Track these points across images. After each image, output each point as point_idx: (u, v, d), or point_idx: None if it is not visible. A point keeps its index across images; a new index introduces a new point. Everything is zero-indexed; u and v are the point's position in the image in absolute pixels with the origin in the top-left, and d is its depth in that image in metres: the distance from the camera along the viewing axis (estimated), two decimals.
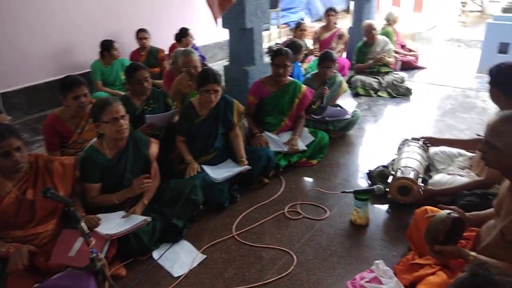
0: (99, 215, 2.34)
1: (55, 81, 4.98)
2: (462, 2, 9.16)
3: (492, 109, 4.32)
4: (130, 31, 5.38)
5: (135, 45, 5.38)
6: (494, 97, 2.41)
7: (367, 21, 5.30)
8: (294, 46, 4.40)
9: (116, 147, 2.45)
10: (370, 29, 5.17)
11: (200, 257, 2.41)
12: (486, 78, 2.47)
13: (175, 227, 2.52)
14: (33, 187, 2.18)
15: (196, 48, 5.78)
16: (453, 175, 2.62)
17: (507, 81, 2.33)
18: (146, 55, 5.33)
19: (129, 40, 5.51)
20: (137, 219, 2.35)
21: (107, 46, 4.70)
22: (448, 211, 1.82)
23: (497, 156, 1.63)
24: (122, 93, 4.53)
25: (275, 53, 3.45)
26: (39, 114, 4.98)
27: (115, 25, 5.62)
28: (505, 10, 5.83)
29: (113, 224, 2.33)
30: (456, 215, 1.77)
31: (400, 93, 5.05)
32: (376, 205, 2.84)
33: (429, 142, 3.04)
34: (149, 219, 2.37)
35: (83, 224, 1.87)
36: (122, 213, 2.44)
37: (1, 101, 4.36)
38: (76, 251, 2.08)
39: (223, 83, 3.65)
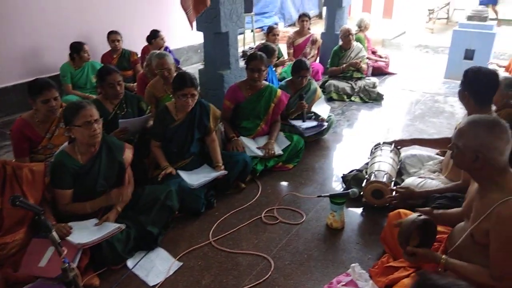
0: (70, 223, 2.27)
1: (23, 84, 4.78)
2: (429, 10, 9.49)
3: (460, 114, 4.51)
4: (102, 33, 5.25)
5: (106, 48, 5.25)
6: (463, 99, 2.49)
7: (346, 26, 5.40)
8: (266, 50, 4.42)
9: (88, 152, 2.37)
10: (348, 33, 5.27)
11: (176, 264, 2.37)
12: (454, 83, 2.57)
13: (150, 234, 2.47)
14: (1, 195, 2.10)
15: (170, 51, 5.72)
16: (424, 178, 2.70)
17: (479, 89, 2.42)
18: (118, 58, 5.22)
19: (100, 42, 5.38)
20: (111, 227, 2.29)
21: (77, 48, 4.56)
22: (417, 214, 1.88)
23: (459, 156, 1.71)
24: (93, 96, 4.42)
25: (250, 57, 3.46)
26: (7, 118, 4.77)
27: (86, 27, 5.47)
28: (470, 18, 6.07)
29: (85, 232, 2.26)
30: (425, 217, 1.83)
31: (372, 98, 5.17)
32: (351, 209, 2.89)
33: (400, 145, 3.12)
34: (123, 226, 2.31)
35: (54, 233, 1.81)
36: (94, 220, 2.37)
37: None
38: (47, 261, 2.01)
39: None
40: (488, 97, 2.43)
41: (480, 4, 8.36)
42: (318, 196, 2.82)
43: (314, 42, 5.97)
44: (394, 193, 2.64)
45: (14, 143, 2.75)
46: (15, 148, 2.76)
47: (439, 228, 2.03)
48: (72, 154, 2.35)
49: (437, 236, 1.95)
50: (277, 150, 3.43)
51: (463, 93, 2.46)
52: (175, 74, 3.55)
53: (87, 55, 4.61)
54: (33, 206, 1.85)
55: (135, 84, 4.91)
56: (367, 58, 5.75)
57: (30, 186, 2.20)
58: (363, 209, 2.89)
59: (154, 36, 5.30)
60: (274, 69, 5.26)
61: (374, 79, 5.41)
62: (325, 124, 3.89)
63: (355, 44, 5.40)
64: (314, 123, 3.85)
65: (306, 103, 3.82)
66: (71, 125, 2.27)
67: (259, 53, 3.50)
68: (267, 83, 3.62)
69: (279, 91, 3.57)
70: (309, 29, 6.03)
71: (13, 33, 4.75)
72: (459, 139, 1.70)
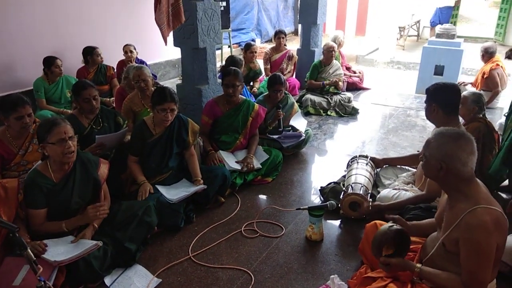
0: (46, 241, 2.21)
1: None
2: (400, 27, 9.86)
3: (431, 127, 4.66)
4: (77, 48, 5.19)
5: (79, 62, 5.19)
6: (432, 113, 2.61)
7: (329, 43, 5.53)
8: (233, 62, 4.48)
9: (62, 170, 2.32)
10: (330, 50, 5.41)
11: (155, 281, 2.34)
12: (424, 98, 2.68)
13: (127, 251, 2.42)
14: None
15: (147, 65, 5.71)
16: (399, 190, 2.79)
17: (445, 98, 2.55)
18: (95, 73, 5.16)
19: (75, 57, 5.31)
20: (87, 244, 2.24)
21: (48, 63, 4.50)
22: (390, 224, 1.93)
23: (426, 165, 1.80)
24: (69, 111, 4.35)
25: (224, 73, 3.50)
26: None
27: (61, 41, 5.40)
28: (439, 35, 6.36)
29: (61, 249, 2.20)
30: (398, 227, 1.89)
31: (348, 112, 5.30)
32: (329, 221, 2.93)
33: (374, 162, 3.22)
34: (100, 243, 2.26)
35: (29, 251, 1.76)
36: (71, 238, 2.31)
37: None
38: (22, 280, 1.95)
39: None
40: (454, 106, 2.57)
41: (432, 25, 8.75)
42: (297, 209, 2.85)
43: (290, 58, 6.10)
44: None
45: None
46: None
47: (414, 239, 2.10)
48: (45, 172, 2.29)
49: (411, 246, 2.01)
50: (256, 164, 3.46)
51: (430, 106, 2.58)
52: (153, 88, 3.57)
53: (58, 70, 4.54)
54: (7, 224, 1.79)
55: (112, 98, 4.87)
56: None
57: (3, 203, 2.14)
58: (341, 221, 2.94)
59: (123, 49, 5.36)
60: (251, 84, 5.35)
61: (349, 94, 5.55)
62: (303, 134, 3.95)
63: (334, 61, 5.55)
64: (292, 133, 3.90)
65: (283, 116, 3.88)
66: (45, 143, 2.22)
67: (234, 68, 3.54)
68: (244, 97, 3.66)
69: (256, 105, 3.62)
70: (285, 45, 6.16)
71: None
72: (426, 148, 1.80)
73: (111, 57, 5.59)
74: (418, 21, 10.87)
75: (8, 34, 4.82)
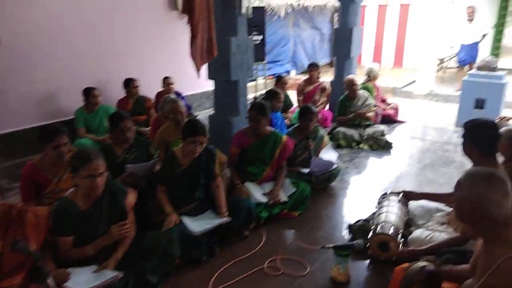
0: (69, 269, 2.25)
1: (38, 127, 4.95)
2: (439, 59, 9.65)
3: (470, 164, 4.43)
4: (117, 79, 5.47)
5: (121, 93, 5.44)
6: (468, 151, 2.49)
7: (348, 77, 5.52)
8: (271, 94, 4.51)
9: (90, 198, 2.39)
10: (351, 84, 5.38)
11: None
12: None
13: (148, 283, 2.42)
14: (3, 238, 2.11)
15: (182, 97, 5.90)
16: (432, 230, 2.63)
17: (481, 137, 2.42)
18: (134, 103, 5.39)
19: (115, 88, 5.59)
20: (108, 275, 2.26)
21: (86, 93, 4.76)
22: (423, 264, 1.81)
23: (458, 208, 1.70)
24: (107, 140, 4.53)
25: (250, 107, 3.54)
26: (21, 160, 4.87)
27: (103, 73, 5.71)
28: (480, 68, 6.15)
29: (83, 279, 2.23)
30: (431, 268, 1.77)
31: (381, 145, 5.16)
32: (357, 261, 2.80)
33: (408, 197, 3.07)
34: (120, 274, 2.28)
35: (49, 281, 1.80)
36: (94, 267, 2.35)
37: None
38: None
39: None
40: (491, 145, 2.43)
41: (462, 64, 8.45)
42: (322, 247, 2.74)
43: (323, 89, 6.09)
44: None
45: (22, 187, 2.80)
46: (22, 193, 2.81)
47: (447, 285, 1.95)
48: (74, 200, 2.37)
49: None
50: (283, 197, 3.41)
51: (466, 145, 2.47)
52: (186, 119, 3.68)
53: (95, 100, 4.77)
54: (31, 252, 1.86)
55: (149, 128, 5.03)
56: (376, 106, 5.81)
57: (33, 230, 2.21)
58: (369, 261, 2.80)
59: (162, 82, 5.63)
60: (283, 114, 5.35)
61: (383, 127, 5.43)
62: (335, 164, 3.86)
63: (361, 92, 5.49)
64: (323, 161, 3.82)
65: (313, 148, 3.83)
66: (76, 174, 2.31)
67: (259, 102, 3.58)
68: (272, 129, 3.66)
69: (284, 137, 3.61)
70: (318, 77, 6.18)
71: (31, 77, 4.97)
72: (457, 191, 1.70)
73: (150, 89, 5.84)
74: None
75: (52, 66, 5.15)
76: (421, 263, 1.83)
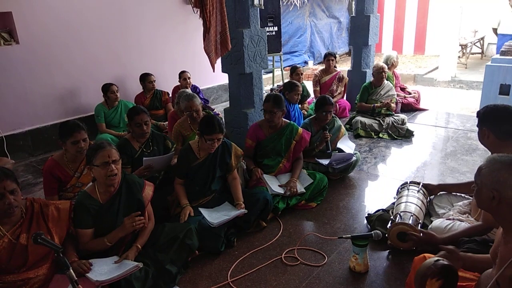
0: (91, 260, 2.31)
1: (60, 123, 5.08)
2: (461, 45, 9.36)
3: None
4: (135, 75, 5.55)
5: (139, 88, 5.52)
6: (484, 138, 2.43)
7: (380, 64, 5.37)
8: (289, 86, 4.48)
9: (108, 192, 2.44)
10: (381, 71, 5.24)
11: None
12: None
13: (168, 273, 2.47)
14: (27, 231, 2.18)
15: (199, 91, 5.94)
16: (453, 220, 2.57)
17: (496, 121, 2.36)
18: (151, 98, 5.46)
19: (134, 83, 5.67)
20: (129, 265, 2.31)
21: (105, 89, 4.86)
22: (436, 258, 1.77)
23: (477, 194, 1.66)
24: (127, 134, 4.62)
25: (264, 99, 3.52)
26: (44, 156, 5.05)
27: (121, 69, 5.81)
28: (503, 53, 5.92)
29: (105, 269, 2.29)
30: (444, 262, 1.73)
31: (401, 135, 5.06)
32: (376, 251, 2.76)
33: (427, 189, 3.01)
34: (140, 265, 2.32)
35: (71, 271, 1.86)
36: (115, 258, 2.40)
37: (4, 143, 4.45)
38: None
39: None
40: (507, 130, 2.35)
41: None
42: (339, 238, 2.72)
43: (340, 79, 6.01)
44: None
45: (45, 182, 2.89)
46: (45, 187, 2.90)
47: (467, 275, 1.91)
48: (92, 194, 2.43)
49: (464, 284, 1.83)
50: (300, 188, 3.39)
51: (481, 130, 2.41)
52: (203, 113, 3.70)
53: (114, 95, 4.87)
54: (53, 244, 1.91)
55: (166, 122, 5.10)
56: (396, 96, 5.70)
57: (55, 223, 2.28)
58: (388, 252, 2.76)
59: (179, 77, 5.69)
60: (300, 106, 5.31)
61: (403, 116, 5.32)
62: (354, 156, 3.82)
63: (386, 82, 5.36)
64: (341, 154, 3.78)
65: (330, 138, 3.79)
66: (91, 165, 2.37)
67: (274, 94, 3.56)
68: (288, 121, 3.64)
69: (300, 129, 3.58)
70: (335, 67, 6.09)
71: (51, 75, 5.12)
72: (477, 176, 1.67)
73: (167, 83, 5.91)
74: (482, 38, 10.25)
75: (72, 64, 5.29)
76: (433, 258, 1.78)
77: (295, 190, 3.34)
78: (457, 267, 1.78)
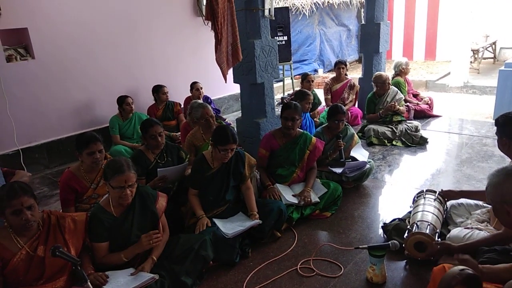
0: (108, 272, 2.33)
1: (75, 135, 5.17)
2: (473, 50, 9.27)
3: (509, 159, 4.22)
4: (148, 87, 5.62)
5: (151, 100, 5.58)
6: (505, 147, 2.38)
7: (378, 73, 5.36)
8: (300, 94, 4.47)
9: (122, 205, 2.46)
10: (380, 80, 5.22)
11: None
12: None
13: (184, 284, 2.46)
14: (44, 243, 2.21)
15: (210, 101, 5.98)
16: (471, 229, 2.52)
17: None
18: (163, 109, 5.51)
19: (146, 95, 5.74)
20: (145, 277, 2.31)
21: (121, 101, 4.93)
22: (462, 267, 1.73)
23: (494, 211, 1.64)
24: (140, 145, 4.66)
25: (284, 106, 3.51)
26: (59, 168, 5.12)
27: (134, 82, 5.89)
28: None
29: (121, 281, 2.30)
30: (470, 271, 1.69)
31: (415, 142, 5.00)
32: (393, 261, 2.72)
33: (446, 196, 2.96)
34: (156, 276, 2.33)
35: (89, 284, 1.87)
36: (131, 270, 2.41)
37: (21, 156, 4.52)
38: None
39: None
40: None
41: None
42: (356, 248, 2.69)
43: (352, 87, 5.99)
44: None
45: (61, 194, 2.92)
46: (62, 199, 2.93)
47: (489, 285, 1.86)
48: (106, 208, 2.45)
49: None
50: (314, 198, 3.37)
51: (501, 140, 2.36)
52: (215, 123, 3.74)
53: (129, 107, 4.93)
54: (71, 257, 1.94)
55: (179, 133, 5.14)
56: (407, 101, 5.66)
57: (72, 235, 2.30)
58: (406, 262, 2.71)
59: (191, 88, 5.75)
60: (311, 114, 5.30)
61: (416, 123, 5.26)
62: (368, 164, 3.79)
63: (390, 88, 5.33)
64: (355, 163, 3.75)
65: (343, 147, 3.77)
66: (108, 183, 2.39)
67: (294, 102, 3.55)
68: (301, 130, 3.63)
69: (314, 139, 3.57)
70: (346, 75, 6.08)
71: (69, 88, 5.22)
72: (487, 194, 1.64)
73: (179, 94, 5.96)
74: (494, 43, 10.15)
75: (88, 77, 5.39)
76: (458, 267, 1.75)
77: (309, 199, 3.32)
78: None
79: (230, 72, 3.89)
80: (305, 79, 5.58)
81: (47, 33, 4.92)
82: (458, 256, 1.89)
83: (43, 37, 4.89)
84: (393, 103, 5.17)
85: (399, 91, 5.36)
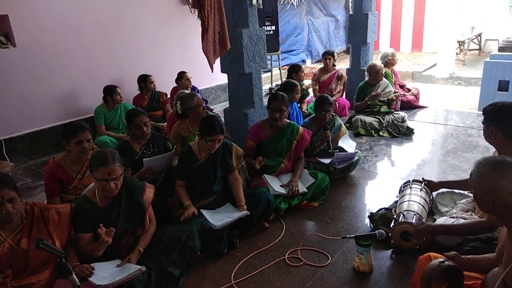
0: (93, 264, 2.29)
1: (59, 125, 5.07)
2: (459, 42, 9.36)
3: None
4: (133, 77, 5.52)
5: (136, 90, 5.49)
6: (490, 136, 2.40)
7: (374, 63, 5.34)
8: (288, 86, 4.44)
9: (108, 197, 2.41)
10: (375, 70, 5.18)
11: None
12: None
13: (171, 275, 2.45)
14: (28, 236, 2.16)
15: (198, 91, 5.92)
16: (457, 218, 2.56)
17: (503, 120, 2.33)
18: (149, 99, 5.43)
19: (131, 85, 5.64)
20: (132, 268, 2.29)
21: (110, 91, 4.82)
22: (441, 259, 1.76)
23: (476, 199, 1.67)
24: (126, 136, 4.59)
25: (271, 97, 3.49)
26: (43, 159, 5.02)
27: (119, 71, 5.78)
28: (502, 49, 5.92)
29: (107, 273, 2.26)
30: (449, 263, 1.72)
31: (402, 132, 5.05)
32: (379, 251, 2.75)
33: (429, 186, 3.00)
34: (143, 268, 2.30)
35: (74, 276, 1.84)
36: (117, 261, 2.38)
37: (3, 147, 4.41)
38: None
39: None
40: None
41: None
42: (343, 238, 2.71)
43: (339, 78, 5.99)
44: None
45: (46, 184, 2.87)
46: (47, 189, 2.88)
47: (473, 274, 1.89)
48: (92, 198, 2.40)
49: (470, 282, 1.81)
50: (301, 188, 3.38)
51: (488, 129, 2.38)
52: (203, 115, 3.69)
53: (119, 97, 4.84)
54: (55, 249, 1.90)
55: (165, 123, 5.07)
56: (395, 93, 5.68)
57: (56, 227, 2.26)
58: (392, 251, 2.75)
59: (180, 77, 5.60)
60: (299, 105, 5.28)
61: (402, 114, 5.31)
62: (356, 155, 3.81)
63: (383, 80, 5.33)
64: (344, 154, 3.76)
65: (331, 136, 3.78)
66: (92, 174, 2.35)
67: (281, 93, 3.53)
68: (288, 121, 3.62)
69: (301, 129, 3.57)
70: (334, 65, 6.07)
71: (53, 77, 5.10)
72: (470, 182, 1.67)
73: (165, 84, 5.88)
74: (480, 34, 10.27)
75: (72, 66, 5.26)
76: (438, 260, 1.77)
77: (296, 189, 3.32)
78: (461, 269, 1.77)
79: (217, 62, 3.84)
80: (299, 70, 5.39)
81: (29, 20, 4.78)
82: (446, 254, 1.90)
83: (24, 24, 4.74)
84: (378, 92, 5.17)
85: (389, 84, 5.37)
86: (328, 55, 5.93)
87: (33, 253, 2.12)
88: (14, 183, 2.11)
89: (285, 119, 3.58)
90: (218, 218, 2.89)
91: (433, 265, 1.72)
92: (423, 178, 3.08)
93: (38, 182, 4.29)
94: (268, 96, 3.90)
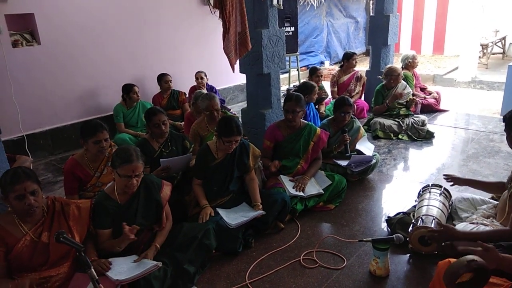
0: (111, 259, 2.32)
1: (79, 123, 5.17)
2: (482, 45, 9.14)
3: None
4: (153, 76, 5.59)
5: (157, 89, 5.56)
6: None
7: (392, 66, 5.26)
8: (305, 87, 4.43)
9: (126, 193, 2.45)
10: (393, 73, 5.11)
11: None
12: None
13: (187, 273, 2.47)
14: (49, 230, 2.20)
15: (216, 91, 5.95)
16: (477, 224, 2.50)
17: None
18: (168, 98, 5.49)
19: (151, 84, 5.72)
20: (148, 264, 2.31)
21: (127, 89, 4.89)
22: (470, 258, 1.71)
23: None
24: (144, 134, 4.65)
25: (286, 98, 3.49)
26: (63, 155, 5.13)
27: (138, 70, 5.86)
28: None
29: (124, 268, 2.30)
30: (480, 263, 1.67)
31: (421, 136, 4.96)
32: (397, 255, 2.71)
33: (452, 181, 2.92)
34: (159, 264, 2.33)
35: (92, 270, 1.87)
36: (134, 257, 2.41)
37: (25, 142, 4.52)
38: None
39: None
40: None
41: None
42: (360, 241, 2.68)
43: (358, 79, 5.92)
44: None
45: (65, 181, 2.92)
46: (65, 187, 2.93)
47: (494, 280, 1.85)
48: (111, 195, 2.44)
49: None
50: (318, 190, 3.35)
51: (510, 136, 2.32)
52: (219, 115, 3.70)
53: (136, 96, 4.91)
54: (74, 243, 1.93)
55: (183, 122, 5.12)
56: (414, 94, 5.59)
57: (76, 222, 2.30)
58: (410, 256, 2.70)
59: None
60: (316, 107, 5.25)
61: (423, 117, 5.21)
62: (374, 158, 3.77)
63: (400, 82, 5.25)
64: (362, 157, 3.72)
65: (349, 139, 3.74)
66: (115, 170, 2.38)
67: (296, 94, 3.52)
68: (306, 122, 3.61)
69: (318, 130, 3.55)
70: (354, 66, 6.01)
71: (74, 75, 5.20)
72: None
73: (185, 84, 5.94)
74: (504, 38, 10.00)
75: (93, 65, 5.36)
76: (469, 257, 1.72)
77: (302, 186, 3.30)
78: (490, 267, 1.72)
79: (237, 62, 3.85)
80: (314, 73, 5.43)
81: (54, 19, 4.89)
82: (482, 244, 1.83)
83: (49, 23, 4.86)
84: (400, 92, 5.09)
85: (407, 85, 5.29)
86: (355, 56, 5.86)
87: (53, 246, 2.17)
88: (37, 176, 2.16)
89: (302, 120, 3.56)
90: (234, 217, 2.90)
91: (464, 262, 1.67)
92: (448, 174, 2.99)
93: (59, 177, 4.38)
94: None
